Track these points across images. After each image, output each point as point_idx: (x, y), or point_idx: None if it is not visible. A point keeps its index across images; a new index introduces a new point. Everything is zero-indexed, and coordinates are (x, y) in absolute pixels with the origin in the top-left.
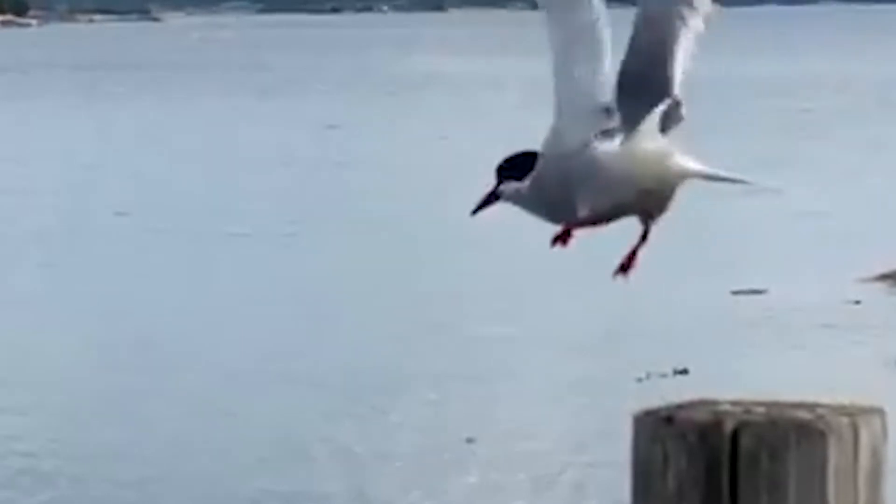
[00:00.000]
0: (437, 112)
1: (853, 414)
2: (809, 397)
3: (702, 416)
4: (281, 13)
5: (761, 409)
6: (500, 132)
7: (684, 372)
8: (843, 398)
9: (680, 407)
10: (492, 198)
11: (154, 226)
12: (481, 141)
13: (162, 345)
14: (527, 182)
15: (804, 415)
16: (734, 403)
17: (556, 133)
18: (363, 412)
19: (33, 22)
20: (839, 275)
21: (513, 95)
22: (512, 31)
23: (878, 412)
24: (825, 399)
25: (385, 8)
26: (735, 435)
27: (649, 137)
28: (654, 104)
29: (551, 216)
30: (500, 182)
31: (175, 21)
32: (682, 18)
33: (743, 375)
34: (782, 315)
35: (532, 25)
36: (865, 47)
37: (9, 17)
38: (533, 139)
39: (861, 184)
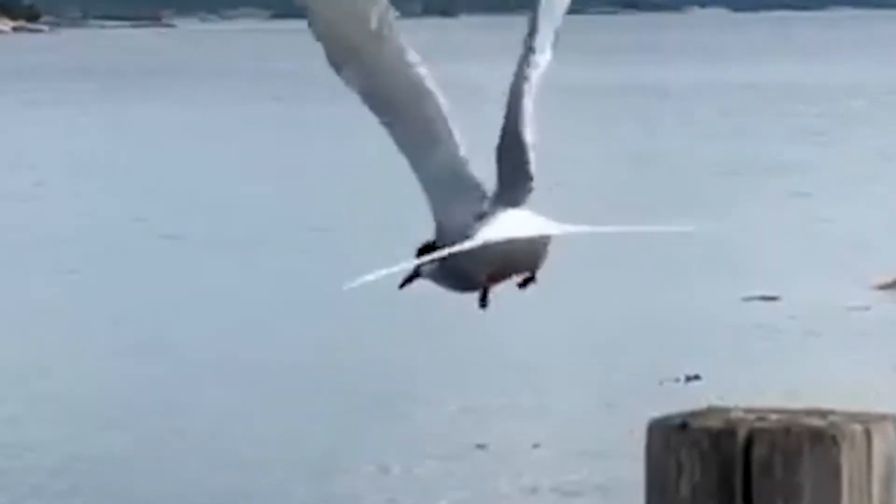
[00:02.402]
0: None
1: (866, 421)
2: (822, 404)
3: (715, 423)
4: (293, 19)
5: (774, 417)
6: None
7: (696, 378)
8: (856, 405)
9: (693, 414)
10: (414, 275)
11: (170, 231)
12: (490, 145)
13: (179, 352)
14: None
15: (817, 422)
16: (747, 411)
17: (437, 224)
18: (372, 418)
19: (45, 28)
20: (850, 281)
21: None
22: (518, 38)
23: (892, 419)
24: (838, 406)
25: (396, 14)
26: (748, 442)
27: (515, 212)
28: (515, 169)
29: (457, 288)
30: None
31: (187, 27)
32: (528, 81)
33: (755, 382)
34: (794, 321)
35: None
36: (878, 52)
37: (21, 22)
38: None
39: (872, 190)
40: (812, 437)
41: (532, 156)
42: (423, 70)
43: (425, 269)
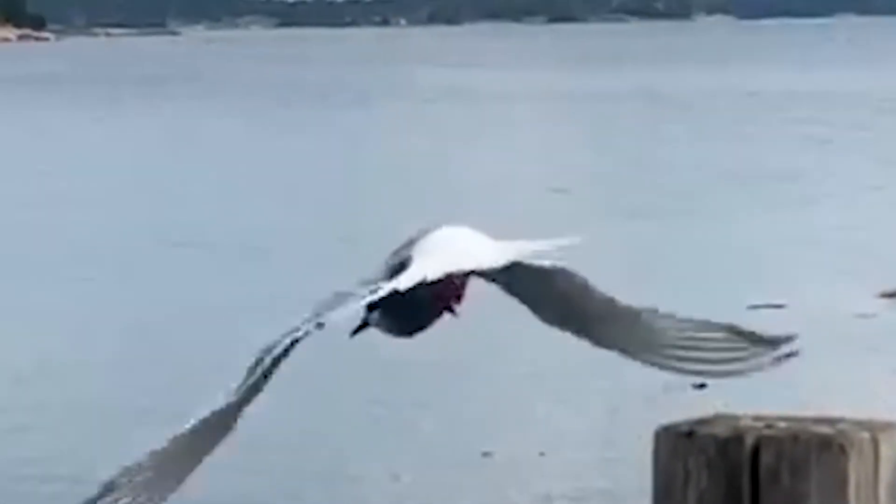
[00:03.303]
0: (456, 124)
1: (874, 429)
2: (828, 412)
3: (722, 430)
4: (299, 27)
5: (782, 424)
6: (516, 143)
7: (702, 386)
8: (863, 412)
9: (700, 421)
10: (363, 325)
11: (179, 239)
12: (498, 152)
13: (190, 359)
14: (377, 313)
15: (825, 429)
16: (755, 418)
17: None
18: (380, 425)
19: (51, 36)
20: (857, 289)
21: (529, 108)
22: (527, 45)
23: None
24: (845, 414)
25: (402, 22)
26: (756, 450)
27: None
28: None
29: (397, 335)
30: (369, 312)
31: (193, 35)
32: None
33: (761, 390)
34: (800, 329)
35: (547, 39)
36: (884, 59)
37: (27, 30)
38: (542, 146)
39: (879, 198)
40: (820, 445)
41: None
42: None
43: (373, 319)
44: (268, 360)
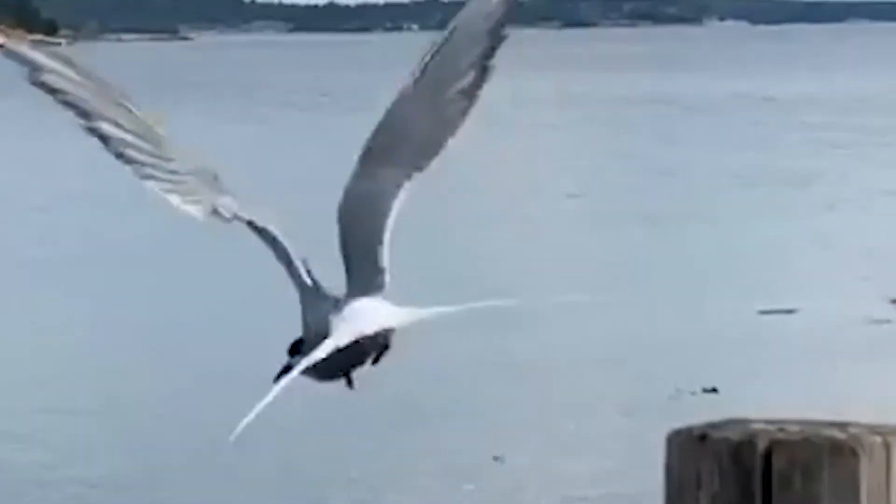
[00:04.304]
0: (468, 129)
1: (885, 433)
2: (841, 417)
3: (735, 434)
4: (311, 32)
5: (794, 428)
6: (529, 148)
7: (714, 391)
8: (875, 417)
9: (713, 426)
10: (286, 368)
11: (188, 245)
12: (511, 157)
13: (200, 367)
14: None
15: (837, 434)
16: (767, 422)
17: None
18: (388, 428)
19: (63, 41)
20: (868, 294)
21: (543, 112)
22: (540, 51)
23: None
24: (857, 418)
25: (414, 27)
26: (768, 454)
27: (363, 307)
28: (367, 262)
29: (318, 378)
30: (291, 356)
31: (205, 40)
32: (398, 185)
33: (772, 395)
34: (812, 334)
35: (563, 45)
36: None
37: (39, 36)
38: (556, 150)
39: (892, 203)
40: (832, 449)
41: (384, 251)
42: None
43: (295, 362)
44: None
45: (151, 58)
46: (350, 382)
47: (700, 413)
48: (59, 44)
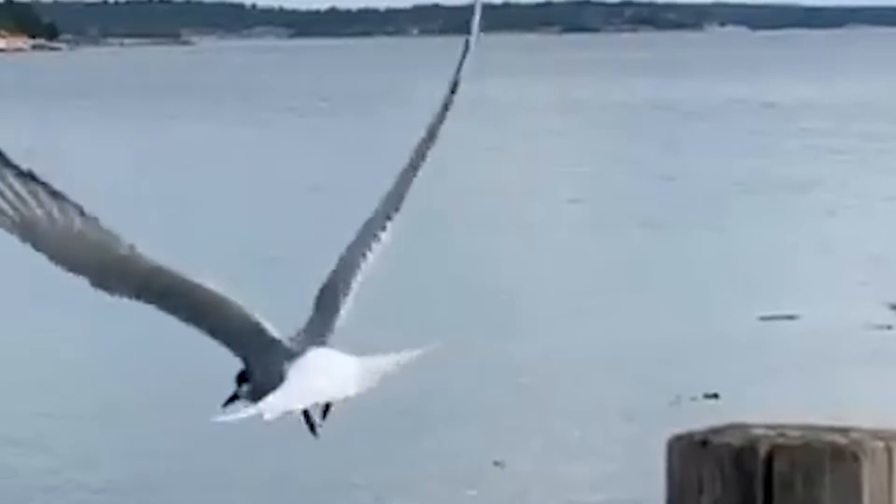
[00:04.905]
0: (470, 135)
1: (887, 438)
2: (842, 422)
3: (736, 439)
4: (312, 37)
5: (795, 433)
6: (530, 154)
7: (715, 396)
8: (877, 423)
9: (714, 431)
10: (234, 397)
11: (193, 249)
12: (512, 163)
13: (208, 372)
14: (246, 387)
15: (838, 439)
16: (768, 427)
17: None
18: (389, 433)
19: (64, 45)
20: (870, 300)
21: (544, 118)
22: (541, 56)
23: None
24: (858, 424)
25: (415, 32)
26: (769, 459)
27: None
28: (328, 309)
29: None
30: (239, 385)
31: (206, 45)
32: (379, 241)
33: (773, 400)
34: (813, 340)
35: (563, 50)
36: None
37: (40, 40)
38: (558, 156)
39: (892, 209)
40: (833, 454)
41: (345, 301)
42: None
43: (242, 392)
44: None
45: (152, 63)
46: (312, 429)
47: (701, 418)
48: (60, 48)
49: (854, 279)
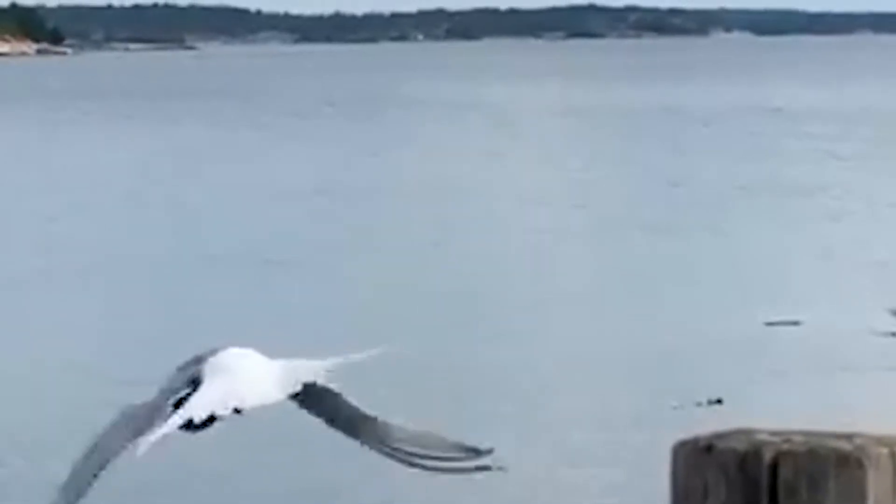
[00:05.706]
0: (475, 139)
1: (892, 444)
2: (846, 428)
3: (740, 445)
4: (317, 42)
5: (800, 439)
6: (535, 159)
7: (719, 402)
8: (881, 428)
9: (719, 436)
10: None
11: (197, 252)
12: (516, 167)
13: None
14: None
15: (843, 445)
16: (773, 433)
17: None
18: None
19: (68, 50)
20: (874, 306)
21: (548, 123)
22: (546, 61)
23: None
24: (862, 429)
25: (420, 37)
26: (774, 464)
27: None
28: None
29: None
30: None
31: (211, 50)
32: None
33: (777, 406)
34: (817, 346)
35: (568, 56)
36: None
37: (44, 45)
38: (562, 161)
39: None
40: (838, 460)
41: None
42: None
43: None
44: (86, 475)
45: (157, 67)
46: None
47: (706, 424)
48: (65, 53)
49: (859, 285)
